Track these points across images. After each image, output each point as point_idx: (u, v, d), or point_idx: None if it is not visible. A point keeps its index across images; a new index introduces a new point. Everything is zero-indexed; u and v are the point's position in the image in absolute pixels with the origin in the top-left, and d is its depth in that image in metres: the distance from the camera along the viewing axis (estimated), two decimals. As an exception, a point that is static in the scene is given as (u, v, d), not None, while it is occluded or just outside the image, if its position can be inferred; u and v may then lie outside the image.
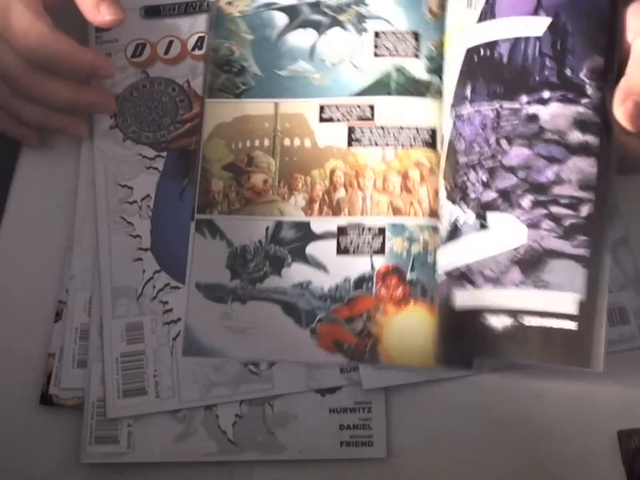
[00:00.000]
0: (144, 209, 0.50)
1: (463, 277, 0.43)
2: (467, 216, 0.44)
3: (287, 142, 0.50)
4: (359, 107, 0.50)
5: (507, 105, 0.44)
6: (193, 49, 0.53)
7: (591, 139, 0.42)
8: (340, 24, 0.53)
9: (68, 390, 0.46)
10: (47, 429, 0.46)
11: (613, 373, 0.46)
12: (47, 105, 0.49)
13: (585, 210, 0.41)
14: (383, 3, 0.53)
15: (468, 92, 0.46)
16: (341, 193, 0.49)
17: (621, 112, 0.41)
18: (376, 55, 0.51)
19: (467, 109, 0.45)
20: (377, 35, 0.52)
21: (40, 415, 0.46)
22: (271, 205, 0.49)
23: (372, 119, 0.50)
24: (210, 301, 0.47)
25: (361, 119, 0.50)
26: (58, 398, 0.46)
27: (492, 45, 0.45)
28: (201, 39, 0.53)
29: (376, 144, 0.49)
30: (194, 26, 0.54)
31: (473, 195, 0.44)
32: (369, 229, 0.48)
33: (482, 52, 0.46)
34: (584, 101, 0.42)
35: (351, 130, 0.50)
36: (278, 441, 0.45)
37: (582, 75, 0.42)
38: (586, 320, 0.39)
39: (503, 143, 0.44)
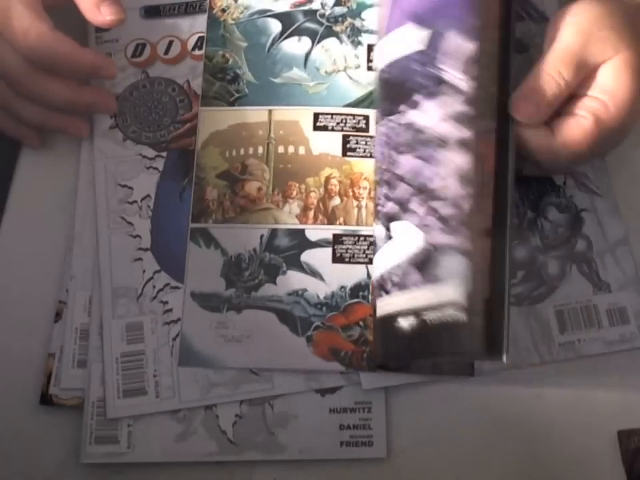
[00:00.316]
0: (144, 208, 0.50)
1: (380, 286, 0.45)
2: (379, 229, 0.46)
3: (281, 149, 0.50)
4: (353, 117, 0.50)
5: (392, 117, 0.46)
6: (193, 48, 0.53)
7: (466, 133, 0.42)
8: (335, 34, 0.53)
9: (68, 390, 0.46)
10: (47, 429, 0.46)
11: (613, 373, 0.47)
12: (47, 105, 0.49)
13: (466, 205, 0.41)
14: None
15: (376, 111, 0.49)
16: (336, 201, 0.49)
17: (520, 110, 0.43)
18: (369, 68, 0.52)
19: (376, 127, 0.48)
20: (370, 48, 0.52)
21: (40, 414, 0.46)
22: (265, 213, 0.49)
23: (367, 129, 0.50)
24: (205, 310, 0.47)
25: (355, 129, 0.50)
26: (58, 398, 0.46)
27: (382, 62, 0.48)
28: (200, 39, 0.53)
29: (370, 155, 0.49)
30: (194, 26, 0.54)
31: (380, 209, 0.46)
32: (365, 238, 0.48)
33: (379, 70, 0.48)
34: (461, 97, 0.43)
35: (345, 139, 0.50)
36: (278, 441, 0.45)
37: (456, 72, 0.43)
38: (481, 311, 0.40)
39: (393, 154, 0.45)
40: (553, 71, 0.43)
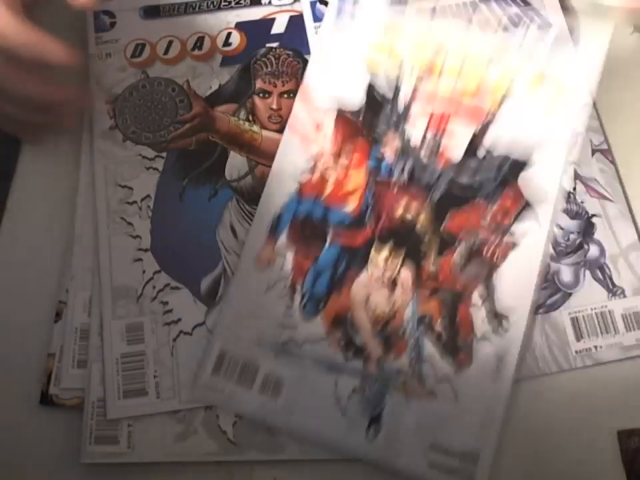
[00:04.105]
0: (144, 209, 0.50)
1: None
2: None
3: None
4: None
5: None
6: (193, 48, 0.53)
7: None
8: None
9: (68, 390, 0.46)
10: (47, 429, 0.46)
11: (614, 373, 0.46)
12: (23, 103, 0.47)
13: None
14: None
15: None
16: None
17: None
18: None
19: None
20: None
21: (40, 414, 0.46)
22: None
23: None
24: None
25: None
26: (58, 398, 0.46)
27: None
28: (200, 39, 0.53)
29: None
30: (194, 26, 0.54)
31: None
32: None
33: None
34: None
35: None
36: (278, 441, 0.45)
37: None
38: None
39: None
40: None
